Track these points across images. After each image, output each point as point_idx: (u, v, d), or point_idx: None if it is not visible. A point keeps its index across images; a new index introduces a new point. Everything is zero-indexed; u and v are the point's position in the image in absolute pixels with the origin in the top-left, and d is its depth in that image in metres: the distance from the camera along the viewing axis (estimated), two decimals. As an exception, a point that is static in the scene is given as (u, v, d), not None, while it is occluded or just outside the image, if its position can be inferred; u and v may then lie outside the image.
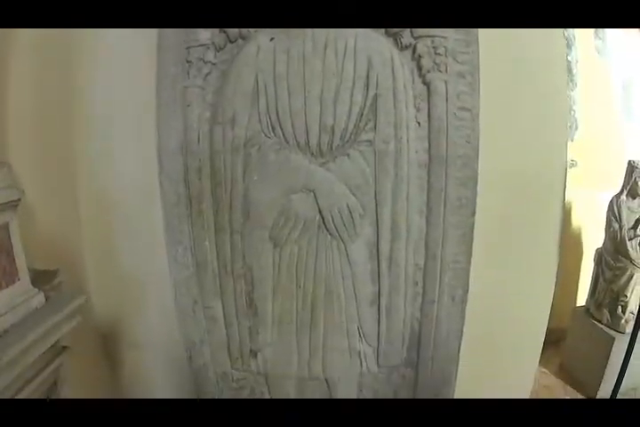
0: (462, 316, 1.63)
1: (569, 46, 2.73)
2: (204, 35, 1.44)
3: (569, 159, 2.74)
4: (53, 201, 1.62)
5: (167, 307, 1.66)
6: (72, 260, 1.67)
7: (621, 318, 2.62)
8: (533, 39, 1.45)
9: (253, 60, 1.43)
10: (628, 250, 2.59)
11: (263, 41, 1.43)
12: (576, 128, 2.87)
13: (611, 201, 2.64)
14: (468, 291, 1.60)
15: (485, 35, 1.40)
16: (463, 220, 1.53)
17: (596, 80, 2.95)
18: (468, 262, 1.57)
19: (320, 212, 1.48)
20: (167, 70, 1.49)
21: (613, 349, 2.57)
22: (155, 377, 1.80)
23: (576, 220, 3.00)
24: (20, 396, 1.12)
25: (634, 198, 2.62)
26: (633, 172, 2.58)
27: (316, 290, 1.54)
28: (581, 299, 2.98)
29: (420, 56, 1.41)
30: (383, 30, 1.41)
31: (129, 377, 1.81)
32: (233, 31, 1.43)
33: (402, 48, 1.42)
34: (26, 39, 1.51)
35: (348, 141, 1.45)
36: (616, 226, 2.60)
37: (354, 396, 1.71)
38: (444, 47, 1.40)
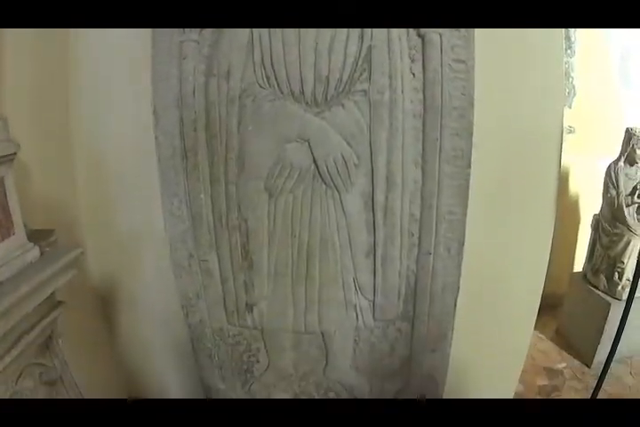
0: (458, 269, 1.63)
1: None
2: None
3: (567, 125, 2.75)
4: (49, 159, 1.61)
5: (163, 265, 1.65)
6: (68, 219, 1.66)
7: (618, 284, 2.63)
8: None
9: None
10: (625, 216, 2.59)
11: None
12: (574, 95, 2.85)
13: (608, 167, 2.63)
14: (464, 244, 1.60)
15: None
16: (459, 171, 1.52)
17: (595, 48, 2.93)
18: (464, 215, 1.57)
19: (315, 161, 1.47)
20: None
21: (609, 315, 2.59)
22: (151, 334, 1.80)
23: (574, 186, 3.00)
24: (17, 348, 1.11)
25: (631, 165, 2.61)
26: (630, 139, 2.57)
27: (311, 240, 1.54)
28: (579, 265, 2.99)
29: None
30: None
31: (125, 334, 1.81)
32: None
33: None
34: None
35: (342, 91, 1.44)
36: (613, 192, 2.60)
37: (350, 350, 1.72)
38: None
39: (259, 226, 1.54)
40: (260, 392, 1.82)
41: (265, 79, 1.45)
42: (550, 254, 1.80)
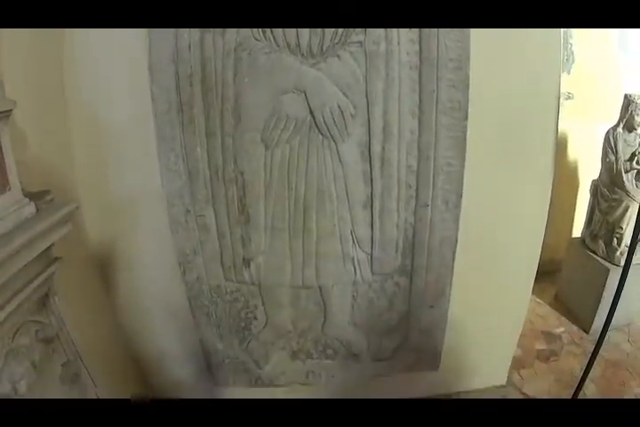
0: (456, 222, 1.63)
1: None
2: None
3: (565, 91, 2.73)
4: (45, 120, 1.60)
5: (161, 223, 1.65)
6: (65, 182, 1.65)
7: (616, 249, 2.62)
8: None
9: None
10: (623, 182, 2.57)
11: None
12: (572, 61, 2.83)
13: (607, 133, 2.61)
14: (461, 196, 1.60)
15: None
16: (456, 122, 1.52)
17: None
18: (462, 166, 1.56)
19: (311, 112, 1.46)
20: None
21: (608, 281, 2.58)
22: (149, 293, 1.80)
23: (572, 152, 2.98)
24: (12, 304, 1.11)
25: (630, 131, 2.59)
26: (629, 105, 2.55)
27: (307, 191, 1.53)
28: (577, 231, 2.99)
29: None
30: None
31: (123, 294, 1.81)
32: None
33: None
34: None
35: (338, 43, 1.43)
36: (612, 158, 2.58)
37: (348, 306, 1.73)
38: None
39: (255, 178, 1.53)
40: (257, 350, 1.83)
41: (260, 32, 1.43)
42: (548, 220, 1.80)
